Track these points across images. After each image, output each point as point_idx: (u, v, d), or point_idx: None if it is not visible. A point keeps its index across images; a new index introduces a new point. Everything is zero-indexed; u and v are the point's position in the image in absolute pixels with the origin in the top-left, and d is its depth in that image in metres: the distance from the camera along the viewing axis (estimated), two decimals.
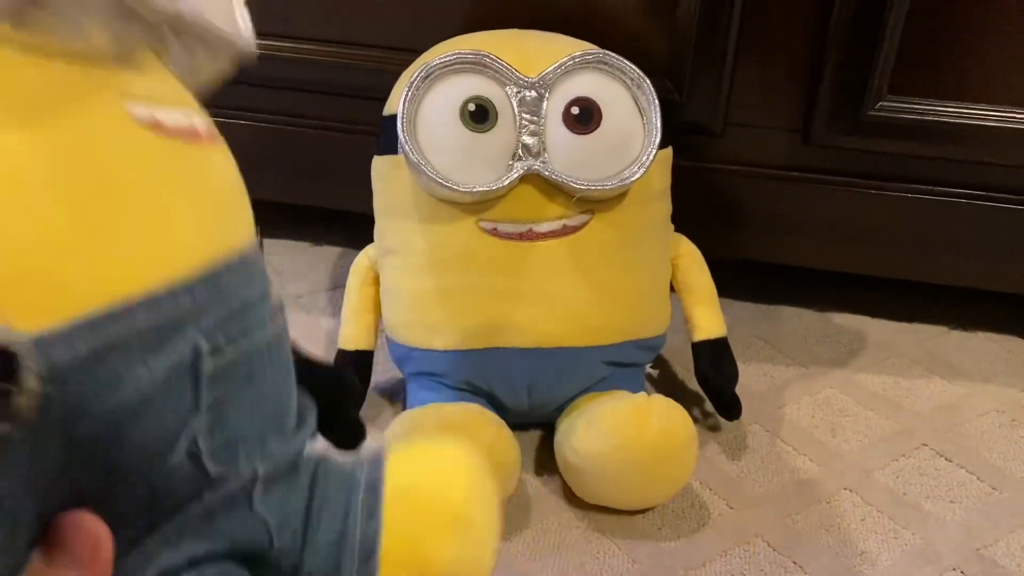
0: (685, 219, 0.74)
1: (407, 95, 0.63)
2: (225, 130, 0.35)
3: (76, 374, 0.25)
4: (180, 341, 0.28)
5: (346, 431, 0.44)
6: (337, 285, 0.91)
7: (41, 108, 0.27)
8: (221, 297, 0.30)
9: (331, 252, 0.96)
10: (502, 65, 0.63)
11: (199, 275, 0.30)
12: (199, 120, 0.33)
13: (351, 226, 1.00)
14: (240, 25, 0.34)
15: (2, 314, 0.24)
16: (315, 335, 0.83)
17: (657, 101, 0.65)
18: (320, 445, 0.38)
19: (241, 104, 0.86)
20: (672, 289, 0.73)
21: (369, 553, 0.35)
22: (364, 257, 0.73)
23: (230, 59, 0.35)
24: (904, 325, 0.88)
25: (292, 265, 0.94)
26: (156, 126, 0.30)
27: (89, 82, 0.29)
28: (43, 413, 0.25)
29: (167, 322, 0.28)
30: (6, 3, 0.26)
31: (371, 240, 0.73)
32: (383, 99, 0.71)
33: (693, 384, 0.76)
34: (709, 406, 0.75)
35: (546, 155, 0.63)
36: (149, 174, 0.29)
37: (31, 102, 0.27)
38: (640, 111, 0.65)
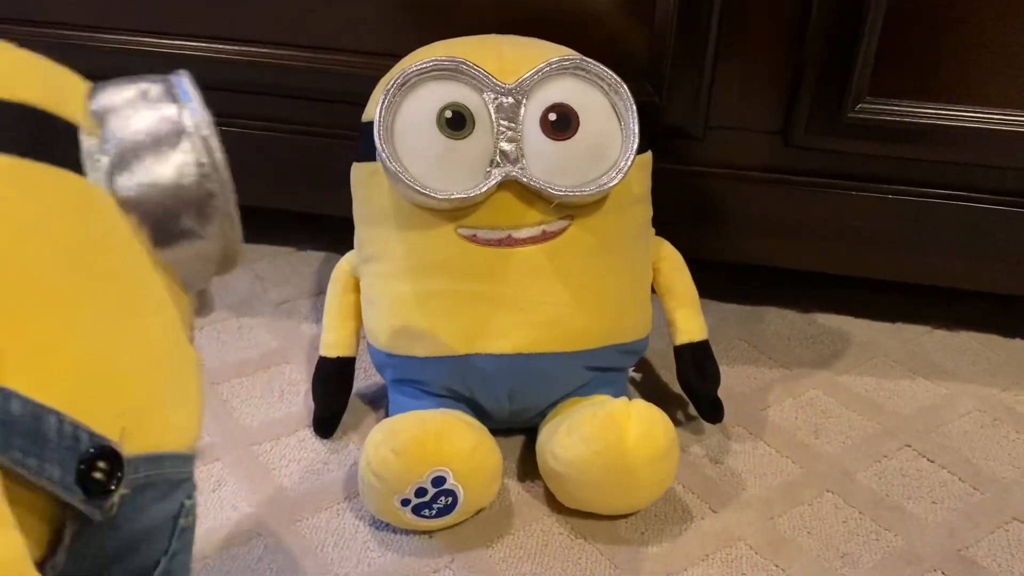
0: (667, 222, 0.74)
1: (384, 102, 0.62)
2: None
3: (129, 495, 0.33)
4: (178, 496, 0.37)
5: None
6: (320, 290, 0.90)
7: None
8: (192, 474, 0.39)
9: (314, 257, 0.96)
10: (479, 72, 0.63)
11: (195, 451, 0.39)
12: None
13: (334, 231, 0.99)
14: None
15: (116, 431, 0.33)
16: (298, 341, 0.83)
17: (635, 106, 0.65)
18: None
19: (222, 110, 0.85)
20: (654, 292, 0.73)
21: None
22: (345, 263, 0.73)
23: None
24: (887, 325, 0.88)
25: (275, 270, 0.94)
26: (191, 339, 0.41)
27: (178, 295, 0.40)
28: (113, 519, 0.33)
29: (179, 477, 0.37)
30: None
31: (353, 245, 0.73)
32: (363, 104, 0.70)
33: (676, 387, 0.76)
34: (692, 409, 0.75)
35: (524, 161, 0.63)
36: (189, 368, 0.39)
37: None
38: (618, 116, 0.65)
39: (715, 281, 0.89)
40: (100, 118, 0.37)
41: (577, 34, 0.73)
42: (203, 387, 0.41)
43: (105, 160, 0.36)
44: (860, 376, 0.81)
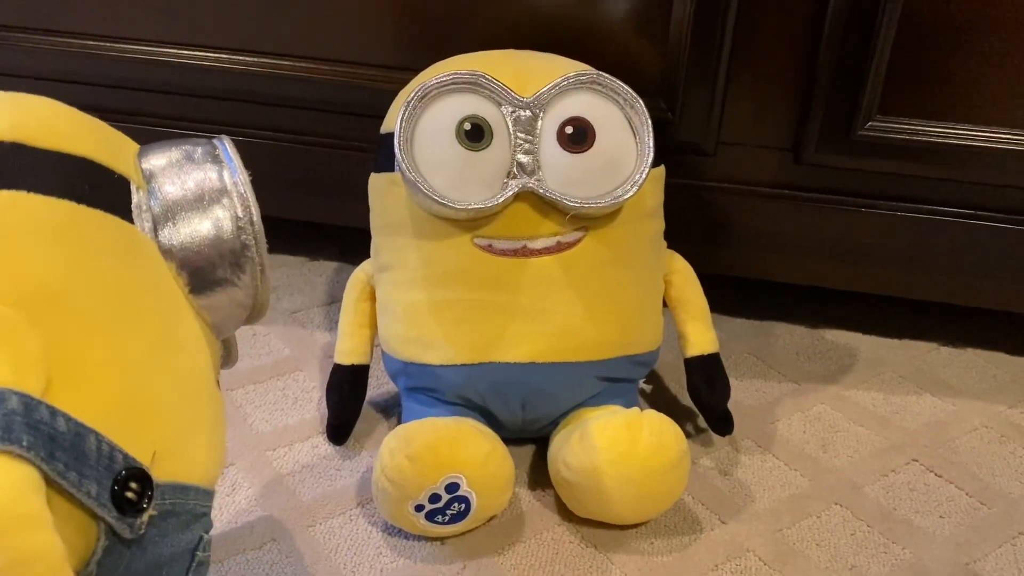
0: (678, 237, 0.75)
1: (404, 114, 0.64)
2: None
3: (154, 521, 0.36)
4: (197, 528, 0.39)
5: None
6: (333, 300, 0.91)
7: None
8: (210, 509, 0.42)
9: (327, 267, 0.97)
10: (497, 85, 0.64)
11: (213, 487, 0.41)
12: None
13: (347, 241, 1.01)
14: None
15: (148, 456, 0.36)
16: (311, 349, 0.84)
17: (650, 121, 0.66)
18: None
19: (240, 121, 0.87)
20: (665, 305, 0.74)
21: None
22: (361, 272, 0.74)
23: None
24: (895, 341, 0.89)
25: (288, 280, 0.95)
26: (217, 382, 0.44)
27: (211, 339, 0.43)
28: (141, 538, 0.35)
29: (200, 511, 0.39)
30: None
31: (367, 255, 0.74)
32: (380, 117, 0.71)
33: (686, 400, 0.77)
34: (702, 421, 0.75)
35: (540, 173, 0.64)
36: (216, 407, 0.42)
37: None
38: (633, 130, 0.66)
39: (725, 296, 0.90)
40: (148, 175, 0.41)
41: (591, 51, 0.75)
42: (225, 430, 0.44)
43: (151, 213, 0.40)
44: (868, 391, 0.82)
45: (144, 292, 0.38)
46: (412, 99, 0.64)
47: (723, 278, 0.84)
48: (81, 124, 0.40)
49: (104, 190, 0.38)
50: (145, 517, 0.35)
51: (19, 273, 0.35)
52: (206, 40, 0.84)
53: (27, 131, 0.38)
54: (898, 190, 0.79)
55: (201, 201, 0.40)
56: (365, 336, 0.73)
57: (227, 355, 0.46)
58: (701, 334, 0.73)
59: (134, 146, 0.43)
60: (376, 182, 0.71)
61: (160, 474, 0.36)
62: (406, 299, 0.68)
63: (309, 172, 0.89)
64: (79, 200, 0.37)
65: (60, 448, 0.32)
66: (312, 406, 0.77)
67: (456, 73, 0.64)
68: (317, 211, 0.92)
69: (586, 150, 0.64)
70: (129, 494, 0.34)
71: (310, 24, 0.81)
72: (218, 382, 0.44)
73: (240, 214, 0.41)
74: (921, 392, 0.82)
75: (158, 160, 0.42)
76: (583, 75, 0.66)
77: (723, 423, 0.72)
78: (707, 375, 0.73)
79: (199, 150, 0.42)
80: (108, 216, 0.38)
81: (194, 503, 0.39)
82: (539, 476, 0.70)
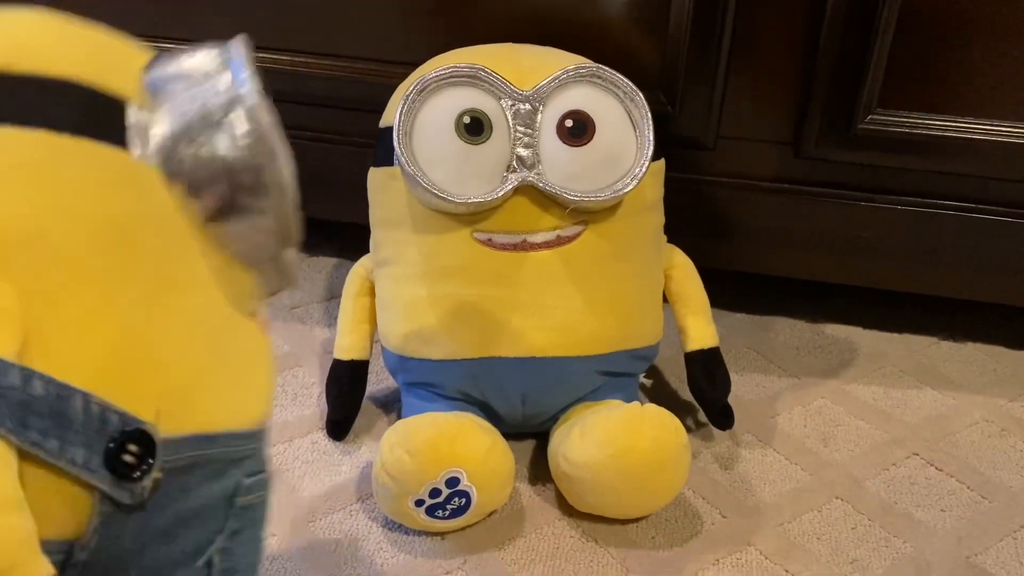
0: (678, 231, 0.75)
1: (403, 108, 0.63)
2: None
3: (169, 476, 0.33)
4: (234, 474, 0.37)
5: None
6: (332, 295, 0.91)
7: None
8: (260, 449, 0.39)
9: (326, 263, 0.97)
10: (497, 79, 0.64)
11: (258, 427, 0.38)
12: (265, 316, 0.43)
13: (346, 237, 1.00)
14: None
15: (152, 413, 0.33)
16: (310, 345, 0.84)
17: (650, 114, 0.66)
18: None
19: None
20: (665, 300, 0.73)
21: None
22: (360, 268, 0.74)
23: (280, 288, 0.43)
24: (895, 336, 0.89)
25: None
26: (252, 316, 0.40)
27: (236, 272, 0.38)
28: (145, 502, 0.33)
29: (234, 456, 0.37)
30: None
31: (366, 251, 0.73)
32: (378, 111, 0.71)
33: (686, 394, 0.77)
34: (702, 416, 0.75)
35: (540, 167, 0.64)
36: (250, 344, 0.39)
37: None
38: (633, 124, 0.66)
39: (725, 291, 0.90)
40: (153, 91, 0.36)
41: (591, 46, 0.74)
42: (271, 362, 0.41)
43: (154, 133, 0.35)
44: (868, 385, 0.82)
45: (138, 229, 0.34)
46: (411, 93, 0.64)
47: (723, 272, 0.84)
48: (69, 39, 0.36)
49: (91, 114, 0.34)
50: (148, 481, 0.32)
51: None
52: (201, 36, 0.83)
53: (4, 56, 0.34)
54: (898, 184, 0.79)
55: (207, 119, 0.35)
56: (364, 332, 0.73)
57: (279, 279, 0.41)
58: (701, 328, 0.73)
59: (141, 58, 0.38)
60: (375, 176, 0.71)
61: (172, 428, 0.33)
62: (406, 294, 0.68)
63: (307, 168, 0.88)
64: (58, 129, 0.33)
65: (35, 414, 0.29)
66: (312, 402, 0.77)
67: (455, 66, 0.64)
68: (316, 206, 0.91)
69: (586, 143, 0.64)
70: (127, 457, 0.32)
71: (307, 19, 0.81)
72: (255, 313, 0.39)
73: (250, 131, 0.35)
74: (922, 386, 0.82)
75: (164, 72, 0.37)
76: (583, 68, 0.65)
77: (723, 417, 0.72)
78: (707, 369, 0.73)
79: (209, 58, 0.37)
80: (94, 144, 0.34)
81: (224, 450, 0.36)
82: (539, 471, 0.70)
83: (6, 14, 0.36)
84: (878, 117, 0.75)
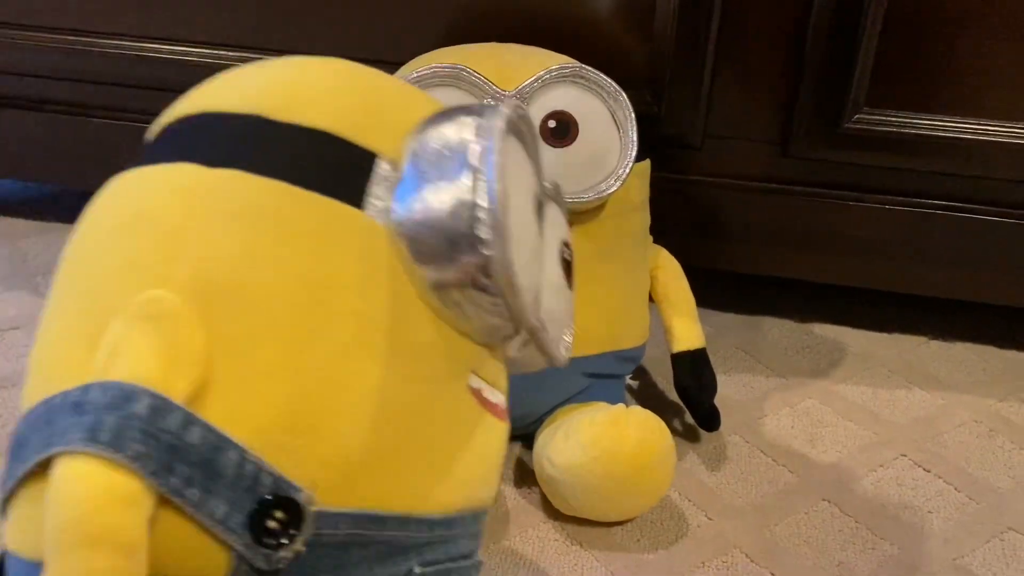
0: (665, 231, 0.74)
1: None
2: None
3: (322, 550, 0.32)
4: (403, 562, 0.34)
5: None
6: None
7: (415, 354, 0.35)
8: (450, 538, 0.36)
9: None
10: (479, 79, 0.64)
11: (451, 515, 0.36)
12: (503, 402, 0.41)
13: None
14: (562, 352, 0.42)
15: (309, 481, 0.31)
16: None
17: (633, 114, 0.65)
18: None
19: None
20: (651, 300, 0.73)
21: None
22: None
23: (540, 367, 0.42)
24: (883, 335, 0.89)
25: None
26: (478, 394, 0.38)
27: (458, 347, 0.37)
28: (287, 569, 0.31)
29: (405, 542, 0.34)
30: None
31: None
32: None
33: (672, 395, 0.76)
34: (688, 417, 0.75)
35: None
36: (455, 427, 0.36)
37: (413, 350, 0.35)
38: (617, 124, 0.65)
39: (713, 290, 0.90)
40: (412, 150, 0.35)
41: (577, 44, 0.74)
42: (492, 447, 0.38)
43: (395, 190, 0.35)
44: (856, 386, 0.82)
45: (343, 288, 0.33)
46: None
47: (710, 272, 0.83)
48: (339, 90, 0.36)
49: (332, 168, 0.34)
50: (288, 552, 0.30)
51: (198, 261, 0.31)
52: (188, 35, 0.83)
53: (269, 102, 0.34)
54: (886, 183, 0.79)
55: (440, 179, 0.34)
56: None
57: (530, 359, 0.40)
58: (688, 329, 0.73)
59: (417, 115, 0.37)
60: None
61: (332, 500, 0.32)
62: None
63: None
64: (295, 181, 0.33)
65: (183, 462, 0.28)
66: None
67: (437, 67, 0.63)
68: None
69: (569, 144, 0.64)
70: (271, 523, 0.30)
71: (292, 18, 0.80)
72: (478, 391, 0.37)
73: (479, 203, 0.33)
74: (910, 386, 0.82)
75: (427, 132, 0.35)
76: (566, 68, 0.65)
77: (710, 419, 0.72)
78: (694, 370, 0.72)
79: (471, 123, 0.35)
80: (323, 200, 0.33)
81: (395, 533, 0.34)
82: (524, 474, 0.70)
83: (295, 62, 0.37)
84: (866, 116, 0.75)
